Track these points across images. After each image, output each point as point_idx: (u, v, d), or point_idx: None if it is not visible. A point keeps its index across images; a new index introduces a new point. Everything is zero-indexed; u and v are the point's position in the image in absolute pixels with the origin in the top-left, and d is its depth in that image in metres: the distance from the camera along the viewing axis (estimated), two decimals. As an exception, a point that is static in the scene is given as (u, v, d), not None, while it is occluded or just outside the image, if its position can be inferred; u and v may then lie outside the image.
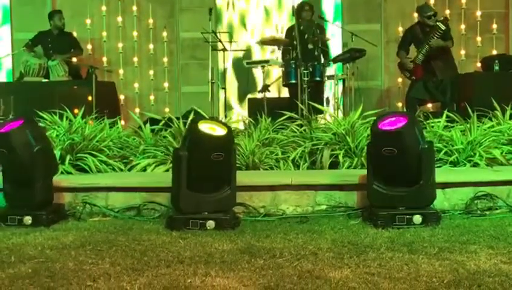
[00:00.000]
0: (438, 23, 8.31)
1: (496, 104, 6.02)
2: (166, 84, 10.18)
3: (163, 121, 5.96)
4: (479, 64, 9.38)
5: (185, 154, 4.42)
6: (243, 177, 4.82)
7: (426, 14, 8.42)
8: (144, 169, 5.49)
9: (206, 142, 4.41)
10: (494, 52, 9.57)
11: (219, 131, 4.48)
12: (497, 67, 8.52)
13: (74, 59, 9.29)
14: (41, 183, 4.61)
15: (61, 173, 5.10)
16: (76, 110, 6.24)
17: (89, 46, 10.04)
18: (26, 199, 4.60)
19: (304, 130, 5.86)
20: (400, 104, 9.81)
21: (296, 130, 5.89)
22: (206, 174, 4.48)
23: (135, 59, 10.18)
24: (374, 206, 4.52)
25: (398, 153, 4.36)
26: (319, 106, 6.81)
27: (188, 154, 4.42)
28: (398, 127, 4.41)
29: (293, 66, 8.33)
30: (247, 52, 10.25)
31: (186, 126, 5.02)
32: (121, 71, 10.12)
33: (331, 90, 9.38)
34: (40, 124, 5.42)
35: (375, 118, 5.68)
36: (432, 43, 8.32)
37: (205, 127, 4.47)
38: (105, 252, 3.80)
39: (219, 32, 8.89)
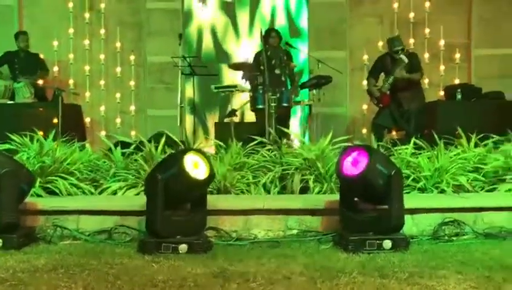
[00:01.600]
0: (401, 56, 8.51)
1: (461, 132, 6.15)
2: (132, 108, 10.18)
3: (134, 145, 5.96)
4: (442, 93, 9.57)
5: (162, 178, 4.44)
6: (215, 202, 4.85)
7: (393, 48, 8.61)
8: (115, 192, 5.47)
9: (189, 183, 4.43)
10: (457, 81, 9.79)
11: (201, 168, 4.50)
12: (459, 96, 8.70)
13: (40, 81, 9.23)
14: (7, 206, 4.56)
15: (32, 195, 5.06)
16: (41, 133, 6.19)
17: (56, 68, 10.00)
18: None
19: (274, 155, 5.91)
20: (364, 131, 9.96)
21: (266, 155, 5.94)
22: (180, 199, 4.51)
23: (102, 82, 10.17)
24: (345, 231, 4.58)
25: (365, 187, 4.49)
26: (287, 131, 6.88)
27: (165, 178, 4.44)
28: (360, 171, 4.48)
29: (261, 91, 8.41)
30: (217, 76, 10.31)
31: (168, 153, 5.04)
32: (88, 94, 10.10)
33: (296, 115, 9.51)
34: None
35: (343, 144, 5.85)
36: (396, 74, 8.51)
37: (190, 161, 4.49)
38: (78, 275, 3.78)
39: (189, 56, 8.93)
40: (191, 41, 10.51)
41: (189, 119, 9.64)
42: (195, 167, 4.50)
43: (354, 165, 4.56)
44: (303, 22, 10.57)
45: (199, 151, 4.74)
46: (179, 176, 4.42)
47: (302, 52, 9.92)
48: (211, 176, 4.56)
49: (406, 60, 8.49)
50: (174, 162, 4.52)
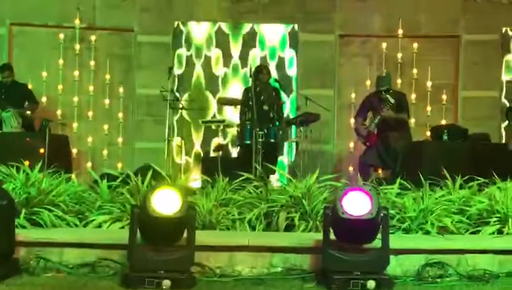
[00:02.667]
0: (387, 96, 8.61)
1: (446, 174, 6.19)
2: (120, 140, 10.19)
3: (120, 178, 5.97)
4: (428, 133, 9.66)
5: (135, 212, 4.48)
6: (200, 237, 4.83)
7: (379, 88, 8.72)
8: (100, 225, 5.46)
9: (157, 218, 4.40)
10: (443, 122, 9.90)
11: (175, 204, 4.45)
12: (446, 137, 8.76)
13: (28, 111, 9.24)
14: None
15: (16, 227, 5.04)
16: (27, 163, 6.18)
17: (44, 99, 10.00)
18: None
19: (260, 191, 5.93)
20: (351, 168, 10.01)
21: (252, 191, 5.95)
22: (161, 233, 4.51)
23: (90, 113, 10.19)
24: (330, 270, 4.58)
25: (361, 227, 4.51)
26: (274, 167, 6.91)
27: (138, 213, 4.48)
28: (365, 213, 4.46)
29: (248, 126, 8.47)
30: (205, 110, 10.36)
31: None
32: (75, 125, 10.11)
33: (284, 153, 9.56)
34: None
35: (331, 182, 5.88)
36: (384, 114, 8.61)
37: (162, 196, 4.45)
38: (61, 309, 3.78)
39: (177, 90, 9.00)
40: (180, 75, 10.53)
41: (175, 152, 9.66)
42: (164, 202, 4.45)
43: (356, 204, 4.57)
44: (293, 65, 10.63)
45: (176, 186, 4.74)
46: (146, 211, 4.41)
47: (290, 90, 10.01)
48: (183, 211, 4.45)
49: (392, 101, 8.59)
50: (145, 196, 4.51)
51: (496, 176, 6.13)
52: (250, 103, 8.46)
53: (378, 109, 8.72)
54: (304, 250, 4.96)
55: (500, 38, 10.34)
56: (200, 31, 10.61)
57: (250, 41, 10.63)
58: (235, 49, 10.62)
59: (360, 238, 4.63)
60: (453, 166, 6.75)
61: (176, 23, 10.51)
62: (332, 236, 4.65)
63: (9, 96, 9.17)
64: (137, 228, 4.51)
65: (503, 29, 10.37)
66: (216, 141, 9.62)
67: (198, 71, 10.59)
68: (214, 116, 10.27)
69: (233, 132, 9.22)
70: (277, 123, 8.87)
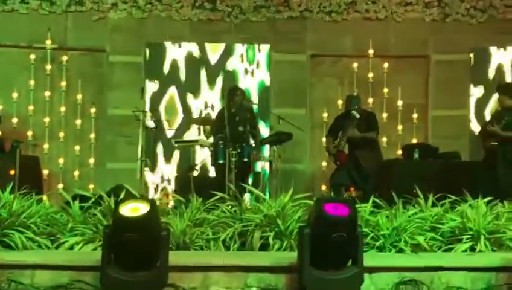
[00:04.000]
0: (352, 112, 8.68)
1: (419, 192, 6.23)
2: (92, 160, 10.11)
3: (93, 199, 5.91)
4: (399, 152, 9.72)
5: (106, 230, 4.48)
6: (173, 258, 4.80)
7: (349, 107, 8.79)
8: (72, 247, 5.39)
9: (124, 223, 4.42)
10: (414, 140, 9.98)
11: (141, 211, 4.46)
12: (416, 155, 8.83)
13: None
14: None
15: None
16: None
17: (15, 120, 9.90)
18: None
19: (235, 210, 5.91)
20: (324, 187, 10.04)
21: (226, 211, 5.93)
22: (132, 253, 4.47)
23: (61, 134, 10.09)
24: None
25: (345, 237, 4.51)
26: (248, 186, 6.91)
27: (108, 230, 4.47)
28: (345, 213, 4.53)
29: (222, 146, 8.47)
30: (179, 131, 10.32)
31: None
32: (46, 146, 10.00)
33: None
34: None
35: (305, 201, 5.87)
36: (348, 134, 8.67)
37: (129, 207, 4.48)
38: (33, 332, 3.71)
39: (150, 111, 8.96)
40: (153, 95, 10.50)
41: (148, 173, 9.60)
42: (133, 211, 4.46)
43: (337, 210, 4.59)
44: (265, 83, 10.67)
45: (146, 199, 4.73)
46: (115, 221, 4.44)
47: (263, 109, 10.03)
48: (150, 216, 4.46)
49: (358, 116, 8.66)
50: (114, 209, 4.54)
51: (467, 194, 6.18)
52: (225, 123, 8.48)
53: (346, 129, 8.79)
54: (279, 269, 4.94)
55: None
56: (172, 51, 10.58)
57: (223, 61, 10.63)
58: (208, 69, 10.60)
59: (339, 252, 4.60)
60: (424, 184, 6.78)
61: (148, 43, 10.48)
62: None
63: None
64: (110, 249, 4.47)
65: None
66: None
67: (172, 92, 10.55)
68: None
69: (206, 152, 9.20)
70: (250, 143, 8.87)
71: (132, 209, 4.48)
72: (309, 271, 4.55)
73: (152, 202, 4.60)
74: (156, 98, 10.48)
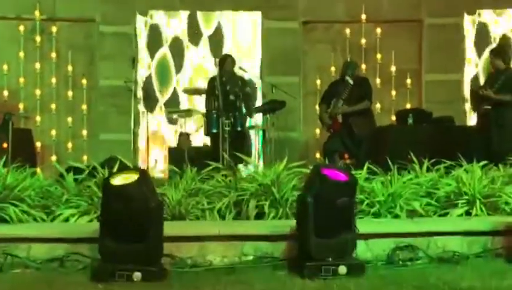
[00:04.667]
0: (346, 78, 8.62)
1: (413, 157, 6.23)
2: (84, 132, 10.06)
3: (87, 170, 5.89)
4: (393, 118, 9.70)
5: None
6: (169, 228, 4.80)
7: (344, 75, 8.71)
8: (67, 219, 5.39)
9: (115, 193, 4.46)
10: (408, 106, 9.95)
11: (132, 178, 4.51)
12: (410, 121, 8.80)
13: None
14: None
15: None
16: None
17: (6, 93, 9.82)
18: None
19: (229, 180, 5.90)
20: (318, 155, 10.03)
21: (221, 181, 5.92)
22: (124, 224, 4.47)
23: (53, 106, 10.02)
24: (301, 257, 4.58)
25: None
26: (242, 156, 6.89)
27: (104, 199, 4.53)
28: (346, 179, 4.60)
29: (214, 115, 8.43)
30: (173, 99, 10.27)
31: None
32: (38, 118, 9.93)
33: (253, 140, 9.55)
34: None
35: (300, 169, 5.86)
36: (337, 111, 8.59)
37: (119, 178, 4.54)
38: (30, 305, 3.72)
39: (142, 81, 8.91)
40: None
41: (141, 144, 9.55)
42: (123, 180, 4.51)
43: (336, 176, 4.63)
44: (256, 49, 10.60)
45: (137, 169, 4.74)
46: (105, 192, 4.50)
47: (255, 77, 9.97)
48: (139, 182, 4.48)
49: (351, 82, 8.59)
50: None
51: (462, 159, 6.18)
52: (216, 92, 8.43)
53: (340, 96, 8.72)
54: (275, 238, 4.96)
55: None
56: (163, 20, 10.50)
57: (213, 30, 10.55)
58: (199, 38, 10.53)
59: (342, 217, 4.62)
60: (419, 150, 6.80)
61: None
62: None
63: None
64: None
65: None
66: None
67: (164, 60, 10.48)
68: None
69: (199, 121, 9.16)
70: (243, 112, 8.83)
71: (122, 179, 4.51)
72: (314, 239, 4.54)
73: (142, 172, 4.60)
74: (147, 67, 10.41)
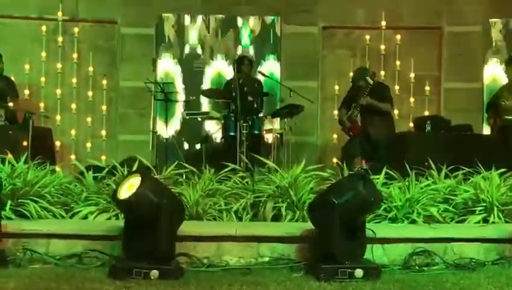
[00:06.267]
0: (366, 78, 8.62)
1: (432, 164, 6.22)
2: (103, 132, 10.12)
3: (106, 169, 5.93)
4: (411, 124, 9.67)
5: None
6: (187, 228, 4.84)
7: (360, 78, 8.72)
8: (86, 216, 5.43)
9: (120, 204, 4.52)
10: (426, 113, 9.92)
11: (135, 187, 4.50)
12: (429, 128, 8.75)
13: (10, 104, 9.14)
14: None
15: (2, 218, 4.99)
16: (10, 155, 6.13)
17: (27, 91, 9.89)
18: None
19: (247, 182, 5.92)
20: (334, 160, 10.00)
21: (238, 182, 5.94)
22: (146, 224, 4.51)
23: (73, 106, 10.10)
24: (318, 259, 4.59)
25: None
26: (260, 158, 6.91)
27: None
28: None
29: (232, 118, 8.45)
30: (194, 102, 10.30)
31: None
32: (58, 117, 10.01)
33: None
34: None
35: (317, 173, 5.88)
36: (361, 101, 8.61)
37: (127, 185, 4.55)
38: (49, 300, 3.75)
39: (162, 82, 8.95)
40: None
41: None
42: (128, 189, 4.51)
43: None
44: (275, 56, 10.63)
45: (141, 172, 4.74)
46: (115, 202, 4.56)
47: (274, 81, 9.97)
48: (140, 194, 4.47)
49: (371, 82, 8.59)
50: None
51: (480, 166, 6.16)
52: (234, 94, 8.45)
53: (359, 98, 8.73)
54: (292, 239, 4.97)
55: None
56: (184, 22, 10.55)
57: (233, 33, 10.59)
58: (219, 40, 10.57)
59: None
60: (436, 156, 6.77)
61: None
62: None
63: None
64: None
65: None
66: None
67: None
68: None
69: (217, 123, 9.18)
70: (261, 115, 8.85)
71: (127, 188, 4.52)
72: (341, 242, 4.57)
73: (144, 175, 4.61)
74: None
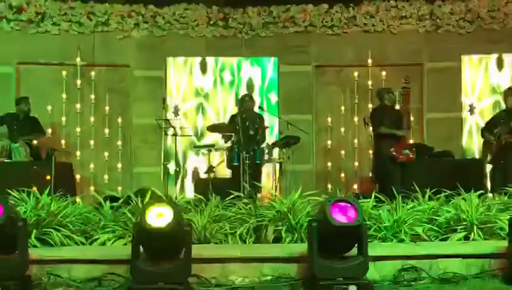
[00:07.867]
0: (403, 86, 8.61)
1: (416, 187, 6.24)
2: (119, 165, 10.16)
3: (122, 199, 5.95)
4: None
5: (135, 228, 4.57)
6: (196, 251, 4.84)
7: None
8: (104, 243, 5.44)
9: (151, 231, 4.44)
10: (411, 141, 9.91)
11: (166, 218, 4.45)
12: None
13: (35, 141, 9.21)
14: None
15: (28, 246, 5.01)
16: (35, 188, 6.15)
17: (49, 130, 9.94)
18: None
19: (249, 207, 5.93)
20: (329, 185, 10.05)
21: (242, 208, 5.95)
22: (158, 245, 4.52)
23: (91, 142, 10.13)
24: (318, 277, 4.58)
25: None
26: (260, 185, 6.92)
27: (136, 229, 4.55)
28: (352, 219, 4.57)
29: (236, 150, 8.49)
30: (197, 136, 10.36)
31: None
32: (78, 153, 10.04)
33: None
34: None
35: (312, 198, 5.89)
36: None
37: (155, 213, 4.48)
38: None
39: (171, 119, 9.02)
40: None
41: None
42: (158, 216, 4.46)
43: (343, 211, 4.62)
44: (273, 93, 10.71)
45: (168, 202, 4.74)
46: (142, 225, 4.45)
47: (273, 116, 10.04)
48: (174, 223, 4.44)
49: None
50: (142, 212, 4.54)
51: (461, 188, 6.18)
52: (237, 127, 8.50)
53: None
54: (291, 259, 4.99)
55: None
56: (190, 64, 10.67)
57: (235, 73, 10.69)
58: (223, 80, 10.67)
59: (344, 244, 4.63)
60: (421, 180, 6.79)
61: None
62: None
63: (21, 128, 9.14)
64: (139, 243, 4.52)
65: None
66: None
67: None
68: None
69: (222, 155, 9.22)
70: (262, 146, 8.89)
71: (158, 215, 4.47)
72: (318, 260, 4.57)
73: (175, 207, 4.59)
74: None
